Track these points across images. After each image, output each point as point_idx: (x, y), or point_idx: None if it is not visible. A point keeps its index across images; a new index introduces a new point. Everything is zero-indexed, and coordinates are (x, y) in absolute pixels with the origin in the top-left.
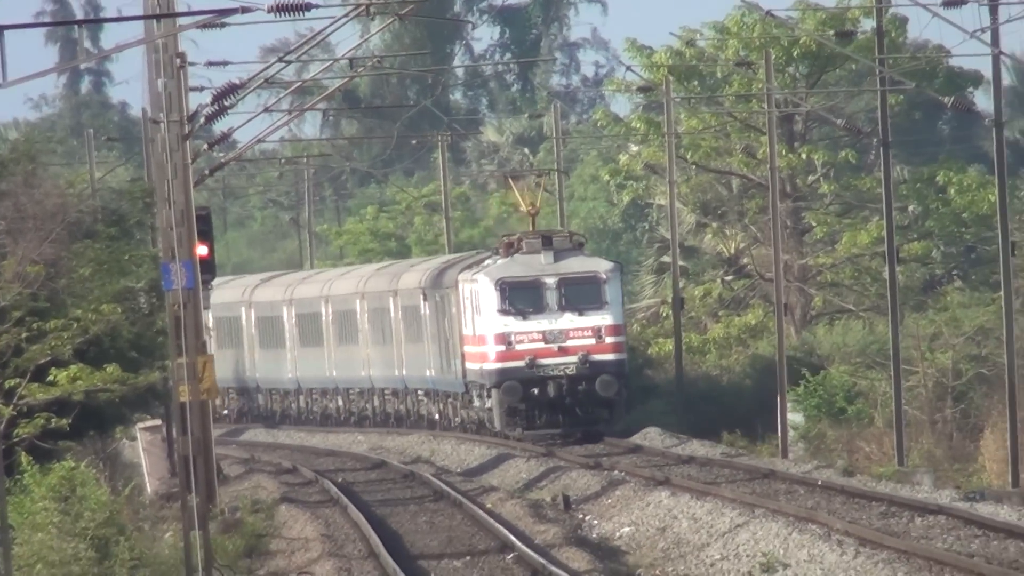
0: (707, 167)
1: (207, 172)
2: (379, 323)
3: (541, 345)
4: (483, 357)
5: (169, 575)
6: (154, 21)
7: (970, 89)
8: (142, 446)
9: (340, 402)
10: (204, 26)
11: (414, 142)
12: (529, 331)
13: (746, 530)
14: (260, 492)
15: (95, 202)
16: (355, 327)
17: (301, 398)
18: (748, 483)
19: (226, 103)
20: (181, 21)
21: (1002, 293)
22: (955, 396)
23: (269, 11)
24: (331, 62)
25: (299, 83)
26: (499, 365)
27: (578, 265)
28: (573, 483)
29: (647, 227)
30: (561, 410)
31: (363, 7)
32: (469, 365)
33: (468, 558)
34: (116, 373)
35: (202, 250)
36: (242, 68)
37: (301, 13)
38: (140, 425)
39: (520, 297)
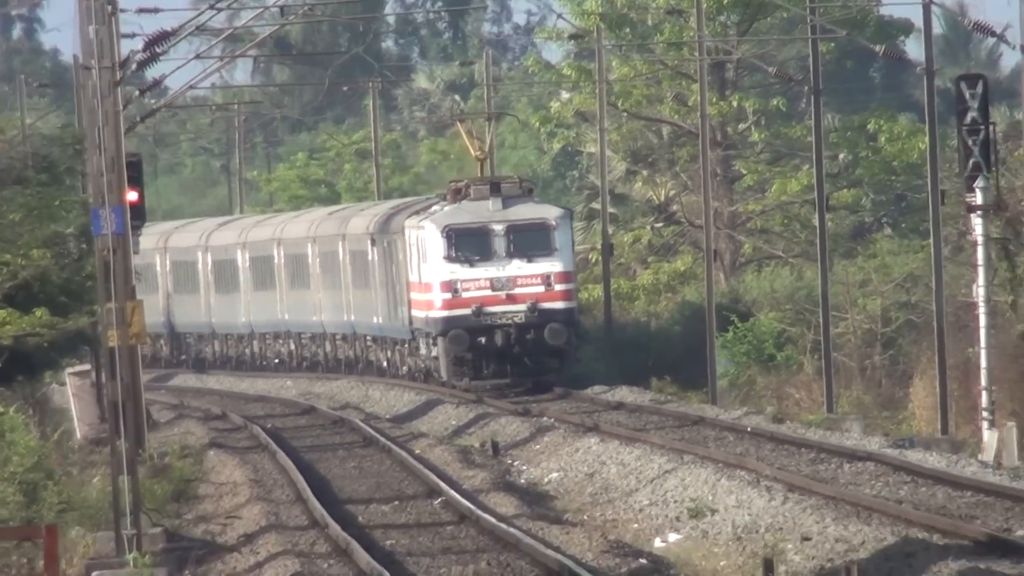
0: (638, 115)
1: (138, 119)
2: (329, 267)
3: (488, 293)
4: (429, 305)
5: (97, 519)
6: None
7: (901, 38)
8: (71, 391)
9: (292, 347)
10: None
11: (345, 89)
12: (476, 278)
13: (674, 476)
14: (189, 437)
15: (25, 148)
16: (306, 271)
17: (255, 343)
18: (677, 430)
19: (158, 50)
20: None
21: (931, 240)
22: (884, 343)
23: None
24: (262, 9)
25: (230, 30)
26: (445, 313)
27: (527, 212)
28: (502, 429)
29: (577, 175)
30: (509, 359)
31: None
32: (415, 312)
33: (396, 503)
34: (45, 318)
35: (132, 196)
36: (174, 15)
37: None
38: (69, 370)
39: (467, 244)
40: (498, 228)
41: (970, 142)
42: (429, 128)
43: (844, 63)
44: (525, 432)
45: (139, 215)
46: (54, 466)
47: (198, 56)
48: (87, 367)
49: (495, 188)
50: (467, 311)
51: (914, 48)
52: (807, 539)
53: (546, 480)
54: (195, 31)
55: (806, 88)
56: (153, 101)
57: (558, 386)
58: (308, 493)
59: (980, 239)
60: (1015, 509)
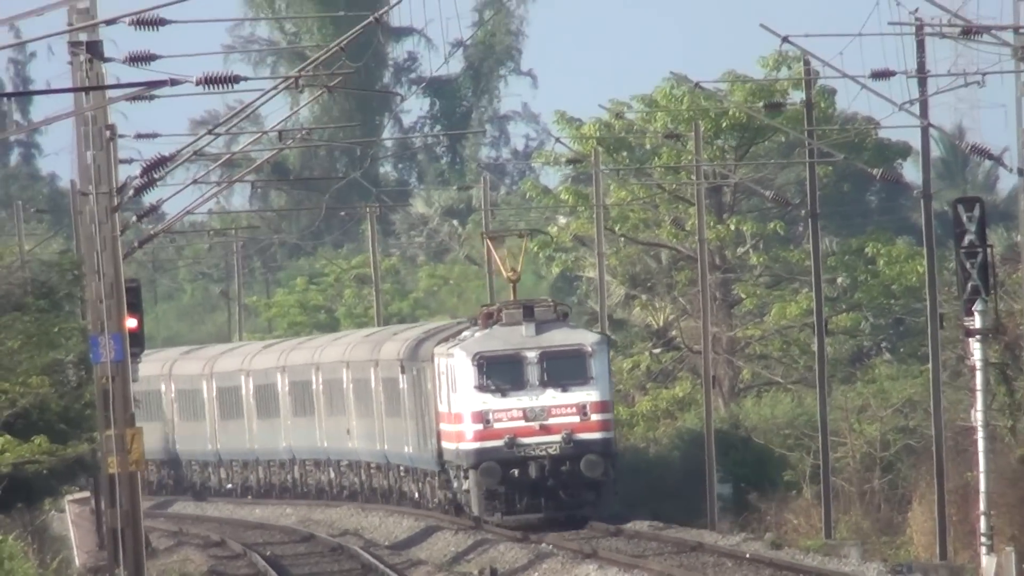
0: (636, 239)
1: (136, 244)
2: (363, 394)
3: (522, 423)
4: (460, 436)
5: None
6: (83, 93)
7: (899, 161)
8: (70, 518)
9: (332, 475)
10: (133, 98)
11: (343, 214)
12: (509, 408)
13: None
14: (188, 565)
15: (24, 274)
16: (342, 397)
17: (296, 468)
18: (676, 556)
19: (155, 175)
20: (111, 93)
21: (930, 365)
22: (883, 467)
23: (198, 83)
24: (260, 134)
25: (228, 155)
26: (476, 445)
27: (562, 338)
28: (501, 556)
29: (576, 300)
30: (543, 493)
31: (292, 79)
32: (445, 444)
33: None
34: (44, 445)
35: (131, 323)
36: (171, 140)
37: (230, 85)
38: (69, 497)
39: (499, 372)
40: (531, 355)
41: (968, 265)
42: (428, 253)
43: (841, 186)
44: (523, 559)
45: (138, 342)
46: None
47: (196, 181)
48: (86, 494)
49: (528, 312)
50: (499, 443)
51: (911, 171)
52: None
53: None
54: (192, 156)
55: (804, 212)
56: (151, 227)
57: (594, 521)
58: None
59: (979, 364)
60: None
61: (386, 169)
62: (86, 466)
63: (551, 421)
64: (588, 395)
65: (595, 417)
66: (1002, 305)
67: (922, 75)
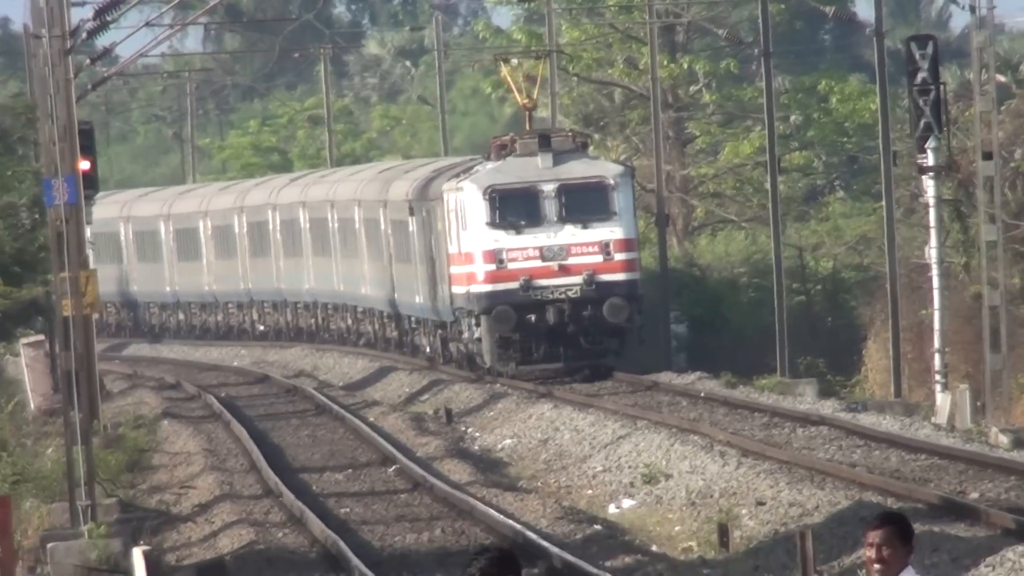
0: (589, 78)
1: (90, 87)
2: (374, 237)
3: (538, 263)
4: (471, 278)
5: (51, 490)
6: None
7: None
8: (25, 362)
9: (350, 321)
10: None
11: (296, 56)
12: (524, 247)
13: (628, 441)
14: (143, 407)
15: None
16: (355, 238)
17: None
18: (631, 395)
19: (108, 18)
20: None
21: (884, 202)
22: (839, 304)
23: None
24: None
25: None
26: (488, 288)
27: (581, 169)
28: (455, 396)
29: None
30: (563, 340)
31: None
32: (455, 289)
33: (350, 471)
34: None
35: (84, 165)
36: None
37: None
38: (23, 341)
39: (513, 207)
40: (548, 188)
41: (921, 102)
42: (381, 94)
43: (794, 24)
44: (478, 399)
45: (92, 184)
46: (7, 437)
47: (148, 24)
48: (41, 337)
49: (544, 142)
50: (514, 285)
51: (864, 9)
52: (761, 504)
53: (500, 447)
54: None
55: (756, 50)
56: (104, 69)
57: (619, 371)
58: (262, 462)
59: (932, 201)
60: (968, 472)
61: (339, 10)
62: (40, 309)
63: (571, 261)
64: (611, 232)
65: (619, 256)
66: (955, 142)
67: None
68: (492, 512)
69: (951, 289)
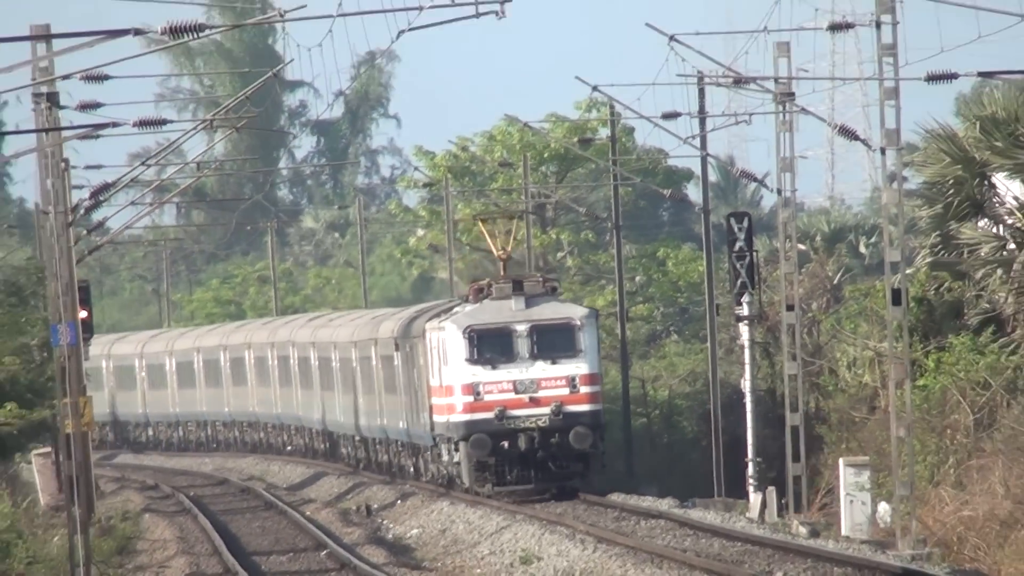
0: (478, 247)
1: (87, 252)
2: (367, 372)
3: (512, 395)
4: (450, 408)
5: (58, 570)
6: (44, 134)
7: (684, 183)
8: (36, 468)
9: (350, 449)
10: (83, 137)
11: (248, 228)
12: (499, 380)
13: (509, 531)
14: (129, 504)
15: None
16: (351, 375)
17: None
18: (510, 495)
19: (101, 198)
20: (65, 133)
21: (708, 344)
22: (673, 425)
23: (134, 125)
24: (183, 165)
25: (158, 182)
26: (467, 417)
27: (551, 311)
28: (374, 495)
29: (432, 297)
30: (533, 464)
31: (208, 121)
32: (436, 418)
33: (292, 554)
34: (15, 411)
35: (83, 314)
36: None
37: (160, 127)
38: (35, 452)
39: (489, 345)
40: (521, 328)
41: (738, 266)
42: (315, 259)
43: (639, 203)
44: (392, 497)
45: (88, 329)
46: (23, 528)
47: (133, 203)
48: (48, 449)
49: (517, 286)
50: (489, 415)
51: (694, 192)
52: None
53: (408, 535)
54: (131, 183)
55: (609, 224)
56: (98, 238)
57: (584, 492)
58: (223, 548)
59: (747, 343)
60: (775, 556)
61: (283, 192)
62: (48, 427)
63: (540, 393)
64: (577, 367)
65: (584, 389)
66: (765, 297)
67: (702, 115)
68: None
69: (761, 412)
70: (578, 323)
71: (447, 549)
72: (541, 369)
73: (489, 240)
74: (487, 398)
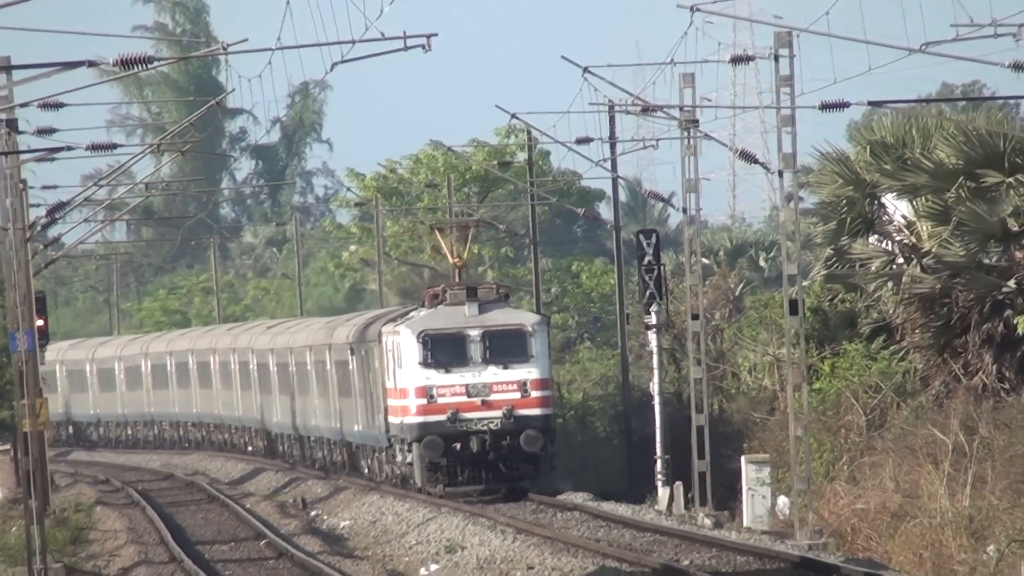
0: (405, 261)
1: (43, 265)
2: (322, 376)
3: (464, 399)
4: (405, 411)
5: (15, 558)
6: (3, 156)
7: (596, 203)
8: None
9: (305, 449)
10: (40, 160)
11: (193, 243)
12: (452, 384)
13: (435, 523)
14: (82, 497)
15: None
16: (307, 378)
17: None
18: (461, 496)
19: (56, 216)
20: (23, 157)
21: (620, 350)
22: (587, 425)
23: (87, 148)
24: (132, 185)
25: (110, 201)
26: (420, 419)
27: (503, 317)
28: (310, 489)
29: (364, 307)
30: (484, 466)
31: (155, 145)
32: (391, 419)
33: (233, 543)
34: None
35: (39, 322)
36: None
37: (111, 150)
38: None
39: (443, 349)
40: (474, 333)
41: (647, 278)
42: (255, 271)
43: (555, 221)
44: (326, 491)
45: (44, 336)
46: None
47: (86, 220)
48: (7, 446)
49: (471, 293)
50: (442, 417)
51: (605, 210)
52: (531, 568)
53: (341, 526)
54: (84, 202)
55: (527, 240)
56: (53, 253)
57: (534, 493)
58: (169, 538)
59: (655, 349)
60: (682, 545)
61: (225, 210)
62: (6, 426)
63: (492, 397)
64: (528, 372)
65: (535, 394)
66: (672, 307)
67: (612, 140)
68: (335, 574)
69: (669, 413)
70: (530, 329)
71: (377, 539)
72: (493, 373)
73: (444, 247)
74: (440, 401)
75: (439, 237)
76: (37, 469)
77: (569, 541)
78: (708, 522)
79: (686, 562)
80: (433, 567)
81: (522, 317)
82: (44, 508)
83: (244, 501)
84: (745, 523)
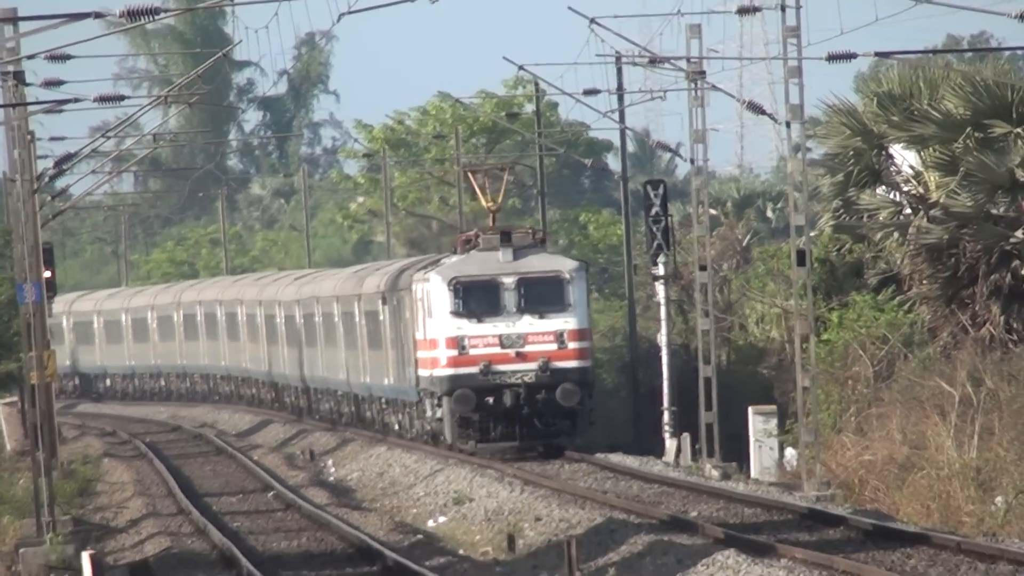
0: (413, 212)
1: (51, 217)
2: (350, 327)
3: (497, 350)
4: (434, 363)
5: (23, 510)
6: (11, 108)
7: (604, 153)
8: (3, 417)
9: (332, 403)
10: (47, 111)
11: (201, 195)
12: (484, 335)
13: (442, 474)
14: (89, 449)
15: None
16: (334, 330)
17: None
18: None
19: (64, 167)
20: (31, 108)
21: (627, 301)
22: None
23: (95, 100)
24: (140, 136)
25: (117, 152)
26: (450, 371)
27: (539, 264)
28: (317, 441)
29: (371, 259)
30: (518, 421)
31: (163, 97)
32: (421, 372)
33: (241, 495)
34: None
35: (47, 274)
36: (76, 142)
37: (118, 102)
38: (2, 401)
39: (475, 298)
40: (508, 281)
41: (655, 229)
42: (262, 223)
43: (563, 172)
44: (333, 443)
45: (52, 288)
46: None
47: (94, 171)
48: (15, 399)
49: (506, 238)
50: (474, 369)
51: (613, 161)
52: (539, 519)
53: (349, 478)
54: (92, 153)
55: (535, 191)
56: (61, 204)
57: (571, 450)
58: (176, 489)
59: (663, 300)
60: (689, 497)
61: (232, 162)
62: (14, 378)
63: (527, 348)
64: (565, 322)
65: (572, 345)
66: (679, 258)
67: (620, 92)
68: (343, 525)
69: (677, 364)
70: (567, 276)
71: (385, 491)
72: (528, 323)
73: (478, 192)
74: (472, 352)
75: (472, 181)
76: (44, 421)
77: (576, 493)
78: (715, 474)
79: (694, 513)
80: (441, 519)
81: (559, 263)
82: (52, 460)
83: (252, 453)
84: (752, 475)
